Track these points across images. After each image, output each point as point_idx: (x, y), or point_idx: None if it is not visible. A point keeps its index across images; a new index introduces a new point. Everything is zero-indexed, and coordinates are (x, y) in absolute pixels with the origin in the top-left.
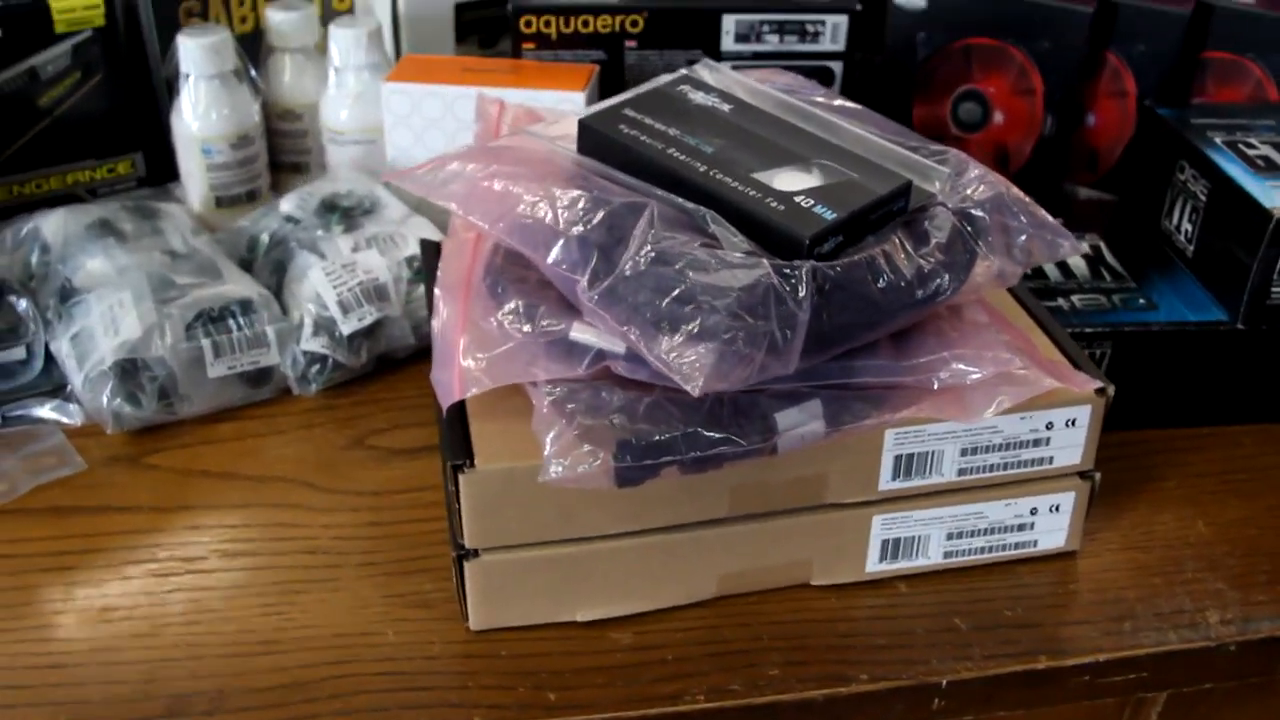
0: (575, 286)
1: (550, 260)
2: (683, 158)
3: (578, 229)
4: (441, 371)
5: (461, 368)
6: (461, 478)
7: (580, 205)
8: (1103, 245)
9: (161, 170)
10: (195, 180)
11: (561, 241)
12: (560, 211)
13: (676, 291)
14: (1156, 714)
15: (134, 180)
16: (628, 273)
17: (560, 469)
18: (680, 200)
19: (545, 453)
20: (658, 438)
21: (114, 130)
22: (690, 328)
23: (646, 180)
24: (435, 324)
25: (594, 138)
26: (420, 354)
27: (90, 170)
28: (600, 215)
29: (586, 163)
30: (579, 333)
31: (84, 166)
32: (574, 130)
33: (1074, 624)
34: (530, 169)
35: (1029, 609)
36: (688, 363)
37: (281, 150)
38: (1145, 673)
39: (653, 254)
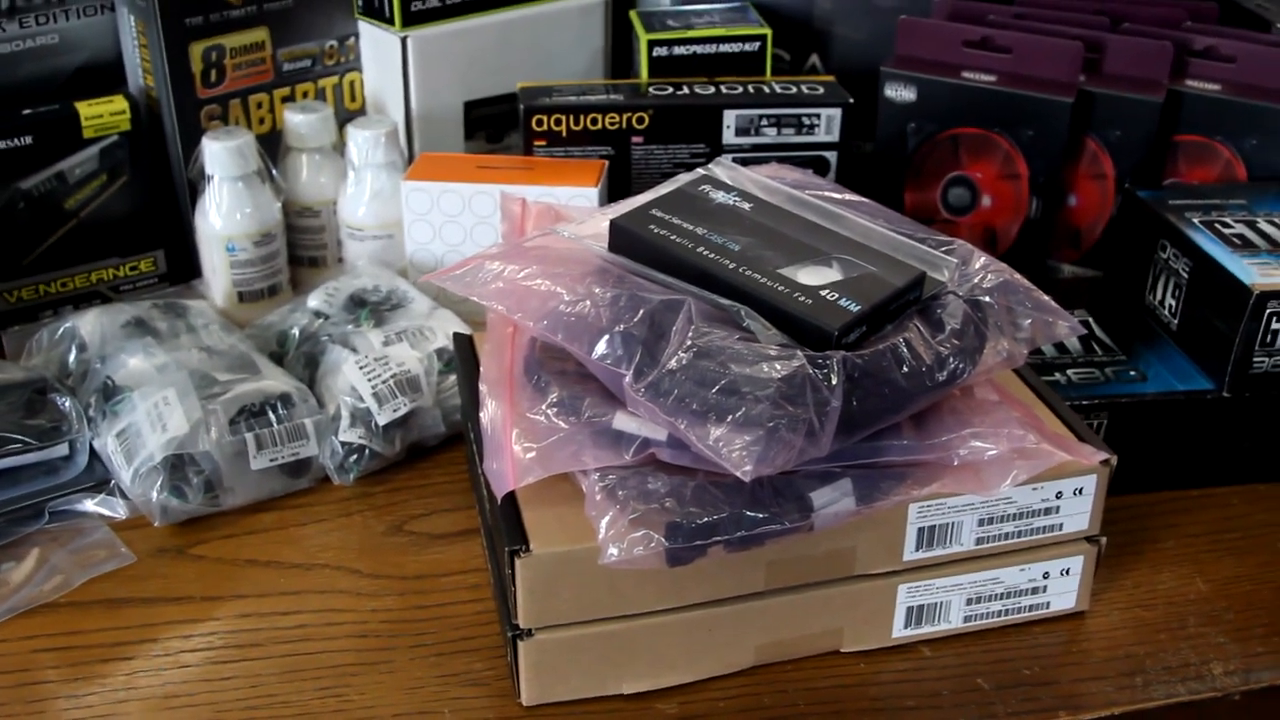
0: (621, 380)
1: (595, 355)
2: (712, 256)
3: (620, 326)
4: (494, 462)
5: (515, 457)
6: (518, 561)
7: (621, 303)
8: (1091, 320)
9: (182, 268)
10: (219, 276)
11: (606, 337)
12: (602, 309)
13: (721, 384)
14: None
15: (155, 277)
16: (672, 366)
17: (616, 552)
18: (714, 296)
19: (600, 537)
20: (705, 520)
21: (137, 230)
22: (737, 417)
23: (679, 277)
24: (484, 417)
25: (626, 237)
26: (450, 441)
27: (114, 268)
28: (641, 312)
29: (620, 261)
30: (622, 423)
31: (108, 265)
32: (603, 229)
33: (1089, 680)
34: (567, 268)
35: (1046, 667)
36: (737, 451)
37: (300, 245)
38: None
39: (695, 348)
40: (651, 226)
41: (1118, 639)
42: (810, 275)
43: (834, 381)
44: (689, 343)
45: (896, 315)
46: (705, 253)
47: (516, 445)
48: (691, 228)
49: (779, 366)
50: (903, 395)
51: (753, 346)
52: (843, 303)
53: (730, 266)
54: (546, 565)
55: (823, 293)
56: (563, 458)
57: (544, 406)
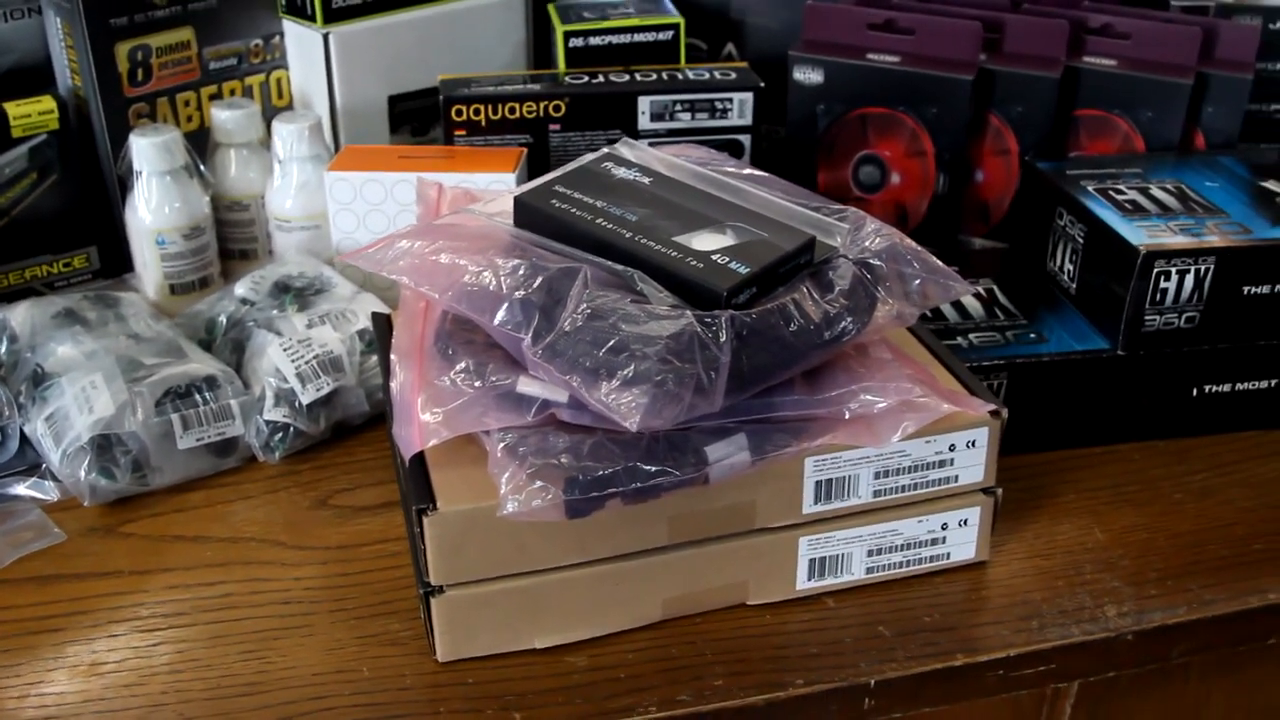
0: (520, 344)
1: (496, 322)
2: (610, 226)
3: (520, 293)
4: (402, 427)
5: (421, 422)
6: (426, 520)
7: (520, 272)
8: (996, 288)
9: (115, 263)
10: (150, 270)
11: (506, 304)
12: (503, 278)
13: (611, 342)
14: (1070, 705)
15: (89, 273)
16: (567, 328)
17: (515, 504)
18: (610, 263)
19: (501, 491)
20: (602, 472)
21: (69, 227)
22: (625, 373)
23: (578, 248)
24: (393, 385)
25: (528, 212)
26: (374, 420)
27: (47, 265)
28: (539, 280)
29: (523, 235)
30: (525, 386)
31: (41, 261)
32: (510, 207)
33: (987, 625)
34: (472, 243)
35: (946, 614)
36: (625, 404)
37: (230, 239)
38: (1053, 664)
39: (588, 311)
40: (553, 201)
41: (1016, 586)
42: (703, 241)
43: (723, 339)
44: (583, 305)
45: (788, 278)
46: (603, 224)
47: (423, 410)
48: (592, 201)
49: (667, 325)
50: (792, 352)
51: (644, 308)
52: (733, 265)
53: (627, 236)
54: (454, 523)
55: (714, 257)
56: (467, 420)
57: (451, 374)
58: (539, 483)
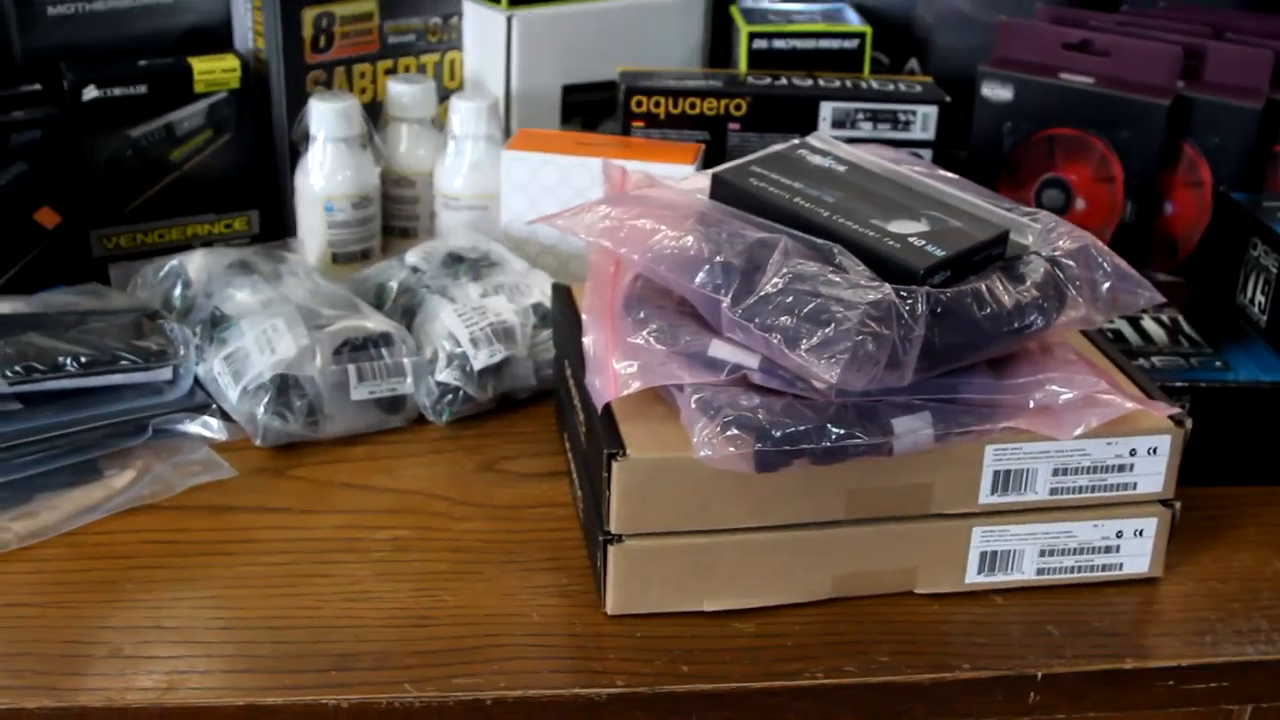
0: (719, 305)
1: (696, 283)
2: (807, 205)
3: (720, 257)
4: (596, 377)
5: (615, 373)
6: (615, 465)
7: (721, 237)
8: (1180, 318)
9: (275, 229)
10: (315, 235)
11: (707, 267)
12: (703, 244)
13: (812, 305)
14: None
15: (248, 237)
16: (768, 290)
17: (710, 451)
18: (809, 237)
19: (695, 439)
20: (793, 429)
21: (236, 187)
22: (826, 332)
23: (776, 222)
24: (586, 341)
25: (726, 188)
26: (539, 396)
27: (209, 224)
28: (740, 246)
29: (721, 207)
30: (717, 349)
31: (204, 220)
32: (702, 185)
33: (1158, 635)
34: (670, 212)
35: (1116, 622)
36: (824, 360)
37: (393, 215)
38: (1226, 682)
39: (790, 275)
40: (751, 179)
41: (1190, 604)
42: (899, 226)
43: (919, 311)
44: (785, 270)
45: (980, 267)
46: (801, 202)
47: (618, 362)
48: (789, 182)
49: (867, 293)
50: (982, 335)
51: (844, 277)
52: (929, 248)
53: (824, 215)
54: (640, 470)
55: (910, 239)
56: (661, 373)
57: (644, 333)
58: (734, 431)
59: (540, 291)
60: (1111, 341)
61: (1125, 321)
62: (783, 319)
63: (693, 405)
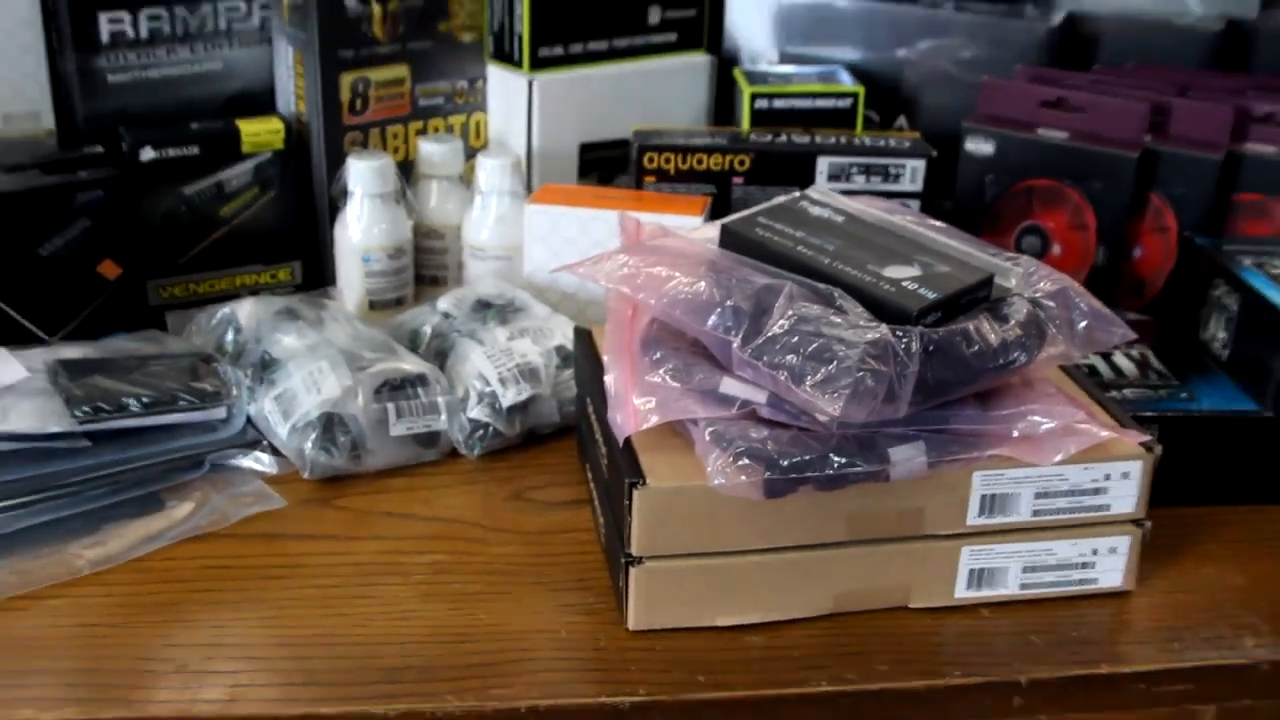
0: (730, 345)
1: (709, 325)
2: (809, 253)
3: (730, 301)
4: (617, 413)
5: (635, 408)
6: (636, 493)
7: (730, 284)
8: (1150, 354)
9: (315, 278)
10: (353, 285)
11: (718, 310)
12: (714, 289)
13: (815, 344)
14: None
15: (291, 286)
16: (775, 331)
17: (723, 479)
18: (811, 282)
19: (709, 468)
20: (799, 458)
21: (280, 240)
22: (829, 369)
23: (780, 269)
24: (608, 379)
25: (734, 238)
26: (562, 430)
27: (255, 274)
28: (748, 291)
29: (729, 255)
30: (728, 386)
31: (250, 271)
32: (710, 235)
33: (1130, 643)
34: (683, 260)
35: (1092, 631)
36: (828, 395)
37: (424, 265)
38: (1193, 685)
39: (795, 317)
40: (757, 229)
41: (1159, 614)
42: (894, 271)
43: (913, 349)
44: (790, 313)
45: (968, 309)
46: (804, 250)
47: (637, 398)
48: (791, 231)
49: (866, 333)
50: (971, 371)
51: (844, 318)
52: (921, 291)
53: (825, 261)
54: (659, 498)
55: (904, 283)
56: (677, 409)
57: (660, 372)
58: (745, 461)
59: (562, 334)
60: (1087, 376)
61: (1099, 357)
62: (789, 358)
63: (707, 438)
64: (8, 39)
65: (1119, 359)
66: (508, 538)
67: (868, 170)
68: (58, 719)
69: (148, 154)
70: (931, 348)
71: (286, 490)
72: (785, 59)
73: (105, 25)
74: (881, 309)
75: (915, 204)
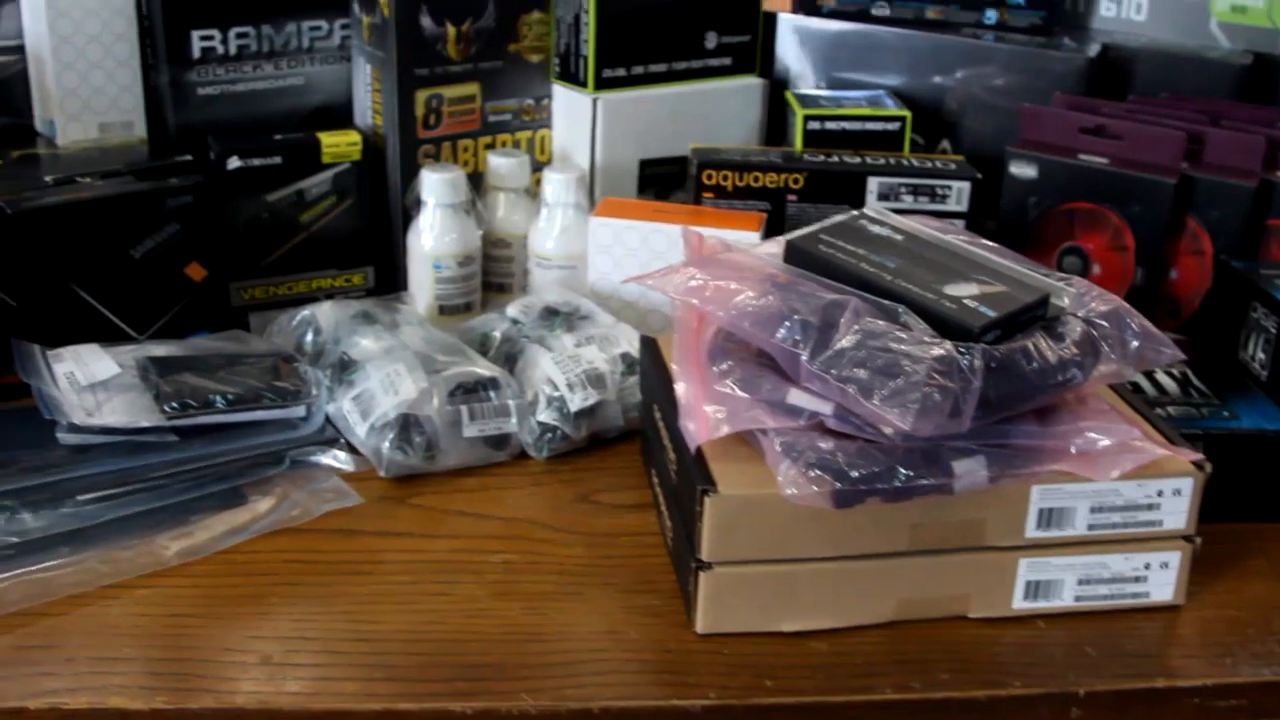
0: (798, 359)
1: (777, 338)
2: (872, 270)
3: (798, 314)
4: (689, 421)
5: (706, 417)
6: (707, 500)
7: (797, 298)
8: (1190, 372)
9: (388, 283)
10: (424, 290)
11: (787, 323)
12: (782, 303)
13: (883, 359)
14: None
15: (364, 291)
16: (843, 345)
17: (794, 490)
18: (876, 298)
19: (780, 478)
20: (867, 470)
21: (355, 247)
22: (897, 383)
23: (844, 285)
24: (678, 389)
25: (798, 253)
26: (626, 435)
27: (332, 278)
28: (814, 306)
29: (794, 270)
30: (795, 398)
31: (326, 275)
32: (774, 251)
33: (1184, 657)
34: (750, 274)
35: (1145, 644)
36: (897, 410)
37: (491, 273)
38: (1245, 700)
39: (861, 332)
40: (820, 246)
41: (1210, 630)
42: (955, 289)
43: (977, 365)
44: (856, 328)
45: (1025, 327)
46: (866, 267)
47: (708, 407)
48: (854, 249)
49: (932, 349)
50: (1030, 388)
51: (909, 334)
52: (982, 309)
53: (888, 279)
54: (730, 505)
55: (965, 301)
56: (747, 419)
57: (729, 382)
58: (815, 472)
59: (627, 342)
60: (1133, 393)
61: (1142, 375)
62: (857, 371)
63: (778, 448)
64: (105, 53)
65: (1161, 377)
66: (575, 539)
67: (915, 190)
68: (147, 708)
69: (234, 163)
70: (994, 364)
71: (364, 488)
72: (832, 84)
73: (197, 42)
74: (944, 326)
75: (961, 224)
